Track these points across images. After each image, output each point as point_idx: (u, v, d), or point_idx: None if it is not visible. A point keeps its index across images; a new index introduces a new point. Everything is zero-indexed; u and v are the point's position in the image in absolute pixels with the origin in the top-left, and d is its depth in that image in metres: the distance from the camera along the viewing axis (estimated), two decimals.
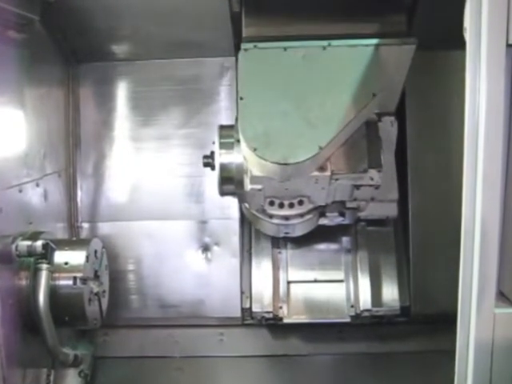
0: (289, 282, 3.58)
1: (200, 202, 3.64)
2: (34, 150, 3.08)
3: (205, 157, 3.00)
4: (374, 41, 2.70)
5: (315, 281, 3.60)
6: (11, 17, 2.77)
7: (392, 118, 3.16)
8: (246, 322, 3.64)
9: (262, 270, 3.61)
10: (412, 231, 3.56)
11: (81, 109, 3.64)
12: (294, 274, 3.61)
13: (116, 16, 3.18)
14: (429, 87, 3.50)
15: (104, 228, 3.65)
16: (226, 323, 3.65)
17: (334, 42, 2.72)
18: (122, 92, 3.66)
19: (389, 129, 3.14)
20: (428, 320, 3.55)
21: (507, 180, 2.08)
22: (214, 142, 2.95)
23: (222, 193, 3.02)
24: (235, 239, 3.65)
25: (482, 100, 1.97)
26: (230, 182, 2.92)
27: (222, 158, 2.91)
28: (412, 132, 3.53)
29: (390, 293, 3.54)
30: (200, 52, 3.55)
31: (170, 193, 3.64)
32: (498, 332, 2.05)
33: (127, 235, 3.64)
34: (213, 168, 2.97)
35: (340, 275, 3.61)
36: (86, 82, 3.64)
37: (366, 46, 2.70)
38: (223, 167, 2.91)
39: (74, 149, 3.65)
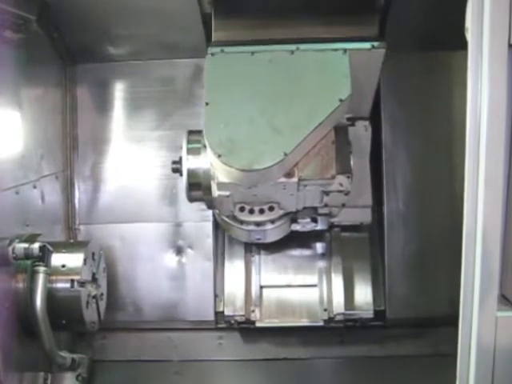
0: (262, 287, 3.56)
1: (174, 205, 3.62)
2: (31, 152, 3.06)
3: (173, 162, 2.97)
4: (343, 45, 2.69)
5: (289, 286, 3.57)
6: (8, 17, 2.75)
7: (366, 123, 3.17)
8: (220, 326, 3.62)
9: (234, 274, 3.59)
10: (387, 237, 3.54)
11: (78, 109, 3.62)
12: (268, 277, 3.59)
13: (109, 16, 3.16)
14: (404, 90, 3.47)
15: (101, 230, 3.62)
16: (199, 326, 3.63)
17: (302, 46, 2.70)
18: (115, 93, 3.64)
19: (362, 133, 3.14)
20: (403, 324, 3.55)
21: (509, 183, 2.06)
22: (181, 148, 2.93)
23: (190, 199, 2.99)
24: (209, 242, 3.62)
25: (484, 100, 1.96)
26: (198, 187, 2.89)
27: (189, 163, 2.88)
28: (387, 137, 3.50)
29: (364, 296, 3.52)
30: (174, 53, 3.51)
31: (143, 195, 3.62)
32: (500, 335, 2.04)
33: (117, 237, 3.61)
34: (181, 174, 2.94)
35: (314, 280, 3.58)
36: (83, 83, 3.61)
37: (335, 50, 2.68)
38: (190, 173, 2.88)
39: (72, 150, 3.63)
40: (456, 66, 3.26)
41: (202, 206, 3.20)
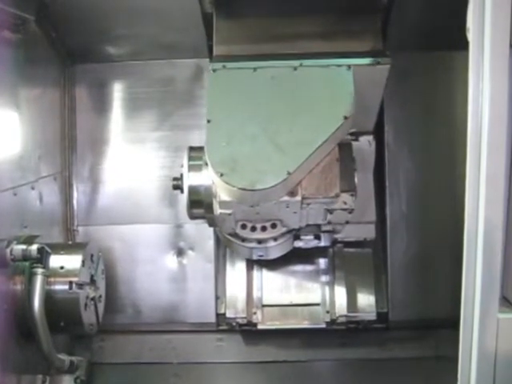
0: (263, 306, 3.50)
1: (174, 206, 3.59)
2: (29, 153, 3.05)
3: (174, 179, 2.94)
4: (347, 60, 2.65)
5: (290, 304, 3.52)
6: (6, 17, 2.74)
7: (370, 138, 3.13)
8: (221, 328, 3.61)
9: (236, 275, 3.57)
10: (390, 240, 3.52)
11: (76, 110, 3.61)
12: (269, 295, 3.55)
13: (108, 17, 3.15)
14: (407, 92, 3.44)
15: (99, 232, 3.60)
16: (200, 329, 3.62)
17: (306, 62, 2.67)
18: (114, 93, 3.62)
19: (366, 148, 3.11)
20: (406, 326, 3.53)
21: (511, 184, 2.05)
22: (182, 165, 2.89)
23: (192, 216, 2.95)
24: (210, 243, 3.60)
25: (485, 100, 1.95)
26: (200, 205, 2.84)
27: (190, 180, 2.84)
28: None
29: (367, 298, 3.50)
30: (174, 53, 3.49)
31: (142, 196, 3.59)
32: (501, 337, 2.03)
33: (116, 239, 3.59)
34: (182, 191, 2.90)
35: (317, 297, 3.54)
36: (81, 83, 3.60)
37: (339, 66, 2.64)
38: (192, 190, 2.84)
39: (70, 151, 3.61)
40: (460, 67, 3.26)
41: None
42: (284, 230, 2.92)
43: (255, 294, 3.53)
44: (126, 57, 3.55)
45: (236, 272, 3.58)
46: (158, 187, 3.60)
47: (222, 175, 2.47)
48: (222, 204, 2.67)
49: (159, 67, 3.57)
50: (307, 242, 3.18)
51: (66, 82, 3.58)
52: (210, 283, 3.58)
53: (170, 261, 3.63)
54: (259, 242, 3.01)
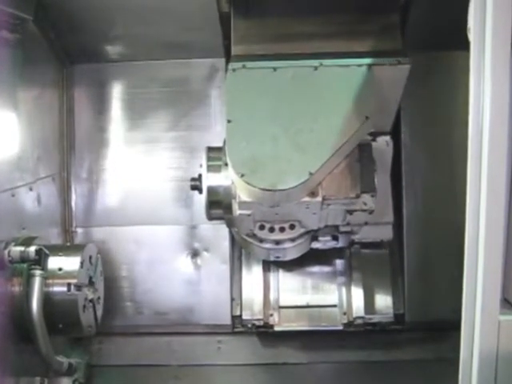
0: (280, 307, 3.50)
1: (189, 207, 3.58)
2: (27, 153, 3.03)
3: (192, 179, 2.93)
4: (368, 60, 2.65)
5: (307, 306, 3.52)
6: (4, 16, 2.72)
7: (388, 138, 3.11)
8: (237, 330, 3.59)
9: (252, 277, 3.56)
10: (406, 232, 3.49)
11: (75, 111, 3.59)
12: (285, 296, 3.54)
13: (107, 16, 3.14)
14: (423, 85, 3.41)
15: (98, 233, 3.59)
16: (216, 331, 3.60)
17: (326, 62, 2.66)
18: (114, 94, 3.61)
19: (384, 149, 3.08)
20: (422, 328, 3.52)
21: None
22: (201, 165, 2.88)
23: (210, 217, 2.94)
24: (225, 245, 3.58)
25: (487, 101, 1.93)
26: (218, 206, 2.84)
27: (209, 181, 2.84)
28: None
29: (384, 300, 3.50)
30: (189, 53, 3.48)
31: (158, 197, 3.58)
32: (502, 339, 2.02)
33: (115, 241, 3.58)
34: (200, 191, 2.89)
35: (334, 298, 3.53)
36: (80, 84, 3.59)
37: (359, 65, 2.64)
38: (211, 190, 2.83)
39: (69, 152, 3.59)
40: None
41: None
42: (302, 230, 2.91)
43: (272, 295, 3.52)
44: (124, 57, 3.53)
45: (252, 273, 3.57)
46: (160, 188, 3.58)
47: (242, 176, 2.46)
48: (242, 205, 2.66)
49: (158, 67, 3.55)
50: (325, 243, 3.17)
51: (65, 82, 3.56)
52: (226, 285, 3.56)
53: (184, 262, 3.60)
54: (277, 242, 2.99)
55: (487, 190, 1.95)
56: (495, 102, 1.93)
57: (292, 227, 2.87)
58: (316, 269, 3.61)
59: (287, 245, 2.99)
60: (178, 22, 3.15)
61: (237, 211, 2.71)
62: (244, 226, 2.90)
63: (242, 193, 2.61)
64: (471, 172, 1.98)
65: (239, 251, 3.63)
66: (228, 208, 2.79)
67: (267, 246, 3.02)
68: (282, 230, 2.88)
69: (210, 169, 2.85)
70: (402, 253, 3.54)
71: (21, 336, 2.67)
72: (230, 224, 2.98)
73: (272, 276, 3.57)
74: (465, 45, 2.96)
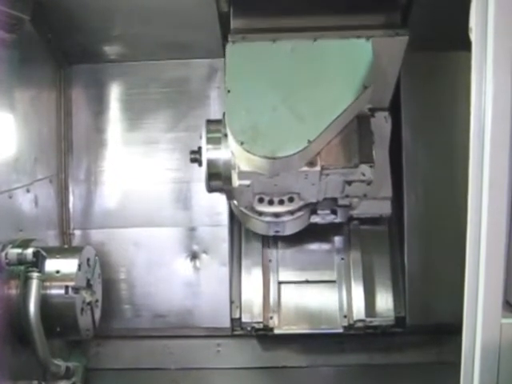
0: (280, 283, 3.51)
1: (188, 209, 3.57)
2: (24, 155, 3.02)
3: (192, 152, 2.94)
4: (366, 32, 2.67)
5: (307, 281, 3.53)
6: (1, 16, 2.71)
7: (386, 114, 3.13)
8: (236, 333, 3.57)
9: (251, 279, 3.54)
10: (407, 232, 3.50)
11: (73, 112, 3.57)
12: (285, 274, 3.55)
13: (105, 16, 3.12)
14: (425, 84, 3.44)
15: (96, 235, 3.57)
16: (215, 334, 3.58)
17: (325, 34, 2.68)
18: (112, 95, 3.60)
19: (382, 124, 3.10)
20: (423, 331, 3.50)
21: None
22: (201, 137, 2.90)
23: (210, 189, 2.96)
24: (224, 246, 3.57)
25: (488, 100, 1.93)
26: (218, 177, 2.87)
27: (209, 153, 2.86)
28: (407, 129, 3.48)
29: (385, 302, 3.48)
30: (188, 53, 3.48)
31: (157, 199, 3.57)
32: (504, 342, 2.01)
33: (113, 243, 3.56)
34: (200, 164, 2.91)
35: (332, 276, 3.54)
36: (78, 84, 3.57)
37: (358, 37, 2.66)
38: (210, 163, 2.85)
39: (66, 153, 3.58)
40: None
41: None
42: (301, 203, 2.94)
43: (271, 297, 3.50)
44: (123, 57, 3.52)
45: (251, 275, 3.56)
46: (158, 189, 3.56)
47: (242, 143, 2.48)
48: (241, 174, 2.69)
49: (157, 67, 3.53)
50: (324, 216, 3.19)
51: (63, 82, 3.55)
52: (225, 287, 3.55)
53: (183, 265, 3.58)
54: (276, 215, 3.01)
55: (489, 191, 1.94)
56: (497, 101, 1.92)
57: (291, 200, 2.91)
58: (317, 254, 3.60)
59: (286, 218, 3.02)
60: (176, 23, 3.15)
61: (236, 182, 2.74)
62: (243, 199, 2.93)
63: (242, 162, 2.64)
64: (473, 173, 1.97)
65: (238, 253, 3.62)
66: (228, 180, 2.82)
67: (267, 219, 3.04)
68: (280, 202, 2.92)
69: (209, 141, 2.87)
70: (402, 255, 3.54)
71: (18, 339, 2.66)
72: (230, 196, 3.00)
73: (272, 278, 3.55)
74: (466, 45, 2.97)
